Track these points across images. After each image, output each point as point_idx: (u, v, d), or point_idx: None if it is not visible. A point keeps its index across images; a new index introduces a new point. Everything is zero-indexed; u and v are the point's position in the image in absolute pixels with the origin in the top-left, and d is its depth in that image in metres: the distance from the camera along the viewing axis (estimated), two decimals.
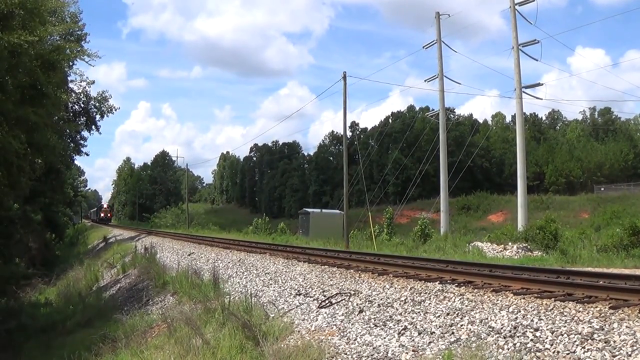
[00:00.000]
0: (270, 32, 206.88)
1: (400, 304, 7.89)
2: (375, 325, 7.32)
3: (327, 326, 7.82)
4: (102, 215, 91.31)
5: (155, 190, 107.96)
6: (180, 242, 27.98)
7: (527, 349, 5.47)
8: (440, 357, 5.76)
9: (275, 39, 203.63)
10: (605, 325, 5.53)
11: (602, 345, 5.11)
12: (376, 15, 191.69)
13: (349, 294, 9.02)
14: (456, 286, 8.16)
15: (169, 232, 43.32)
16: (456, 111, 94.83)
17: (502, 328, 6.11)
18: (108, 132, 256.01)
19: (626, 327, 5.40)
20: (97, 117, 30.74)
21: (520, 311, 6.47)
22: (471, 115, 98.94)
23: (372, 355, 6.35)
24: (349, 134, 58.95)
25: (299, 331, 7.86)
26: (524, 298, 6.97)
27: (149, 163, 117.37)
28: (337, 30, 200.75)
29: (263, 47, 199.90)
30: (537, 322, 5.99)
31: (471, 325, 6.48)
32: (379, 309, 7.96)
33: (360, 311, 8.07)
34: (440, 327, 6.68)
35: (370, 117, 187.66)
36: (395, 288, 8.77)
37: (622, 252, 14.77)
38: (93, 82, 28.78)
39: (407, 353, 6.16)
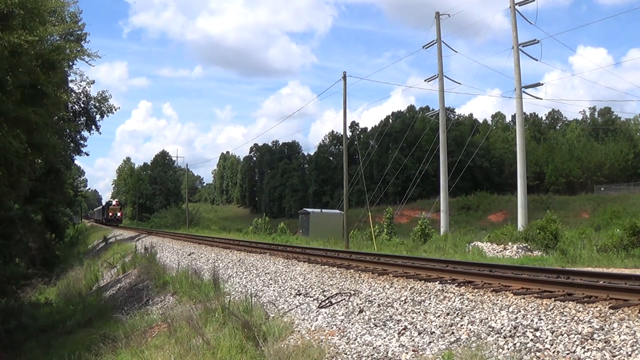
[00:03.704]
0: (273, 31, 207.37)
1: (400, 304, 7.89)
2: (375, 325, 7.32)
3: (327, 326, 7.82)
4: (109, 214, 73.28)
5: (155, 190, 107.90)
6: (180, 242, 27.98)
7: (527, 349, 5.47)
8: (440, 357, 5.76)
9: (278, 38, 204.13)
10: (605, 325, 5.53)
11: (602, 345, 5.11)
12: (379, 14, 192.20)
13: (349, 294, 9.02)
14: (456, 286, 8.16)
15: (169, 232, 43.34)
16: (456, 111, 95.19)
17: (502, 328, 6.11)
18: (108, 132, 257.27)
19: (626, 327, 5.40)
20: (97, 117, 30.70)
21: (520, 311, 6.47)
22: (471, 115, 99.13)
23: (372, 355, 6.35)
24: (349, 134, 59.08)
25: (299, 331, 7.86)
26: (524, 298, 6.97)
27: (149, 163, 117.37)
28: (339, 30, 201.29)
29: (265, 46, 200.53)
30: (537, 322, 5.99)
31: (471, 325, 6.48)
32: (379, 308, 7.96)
33: (360, 311, 8.07)
34: (440, 327, 6.68)
35: (371, 117, 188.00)
36: (395, 288, 8.77)
37: (622, 252, 14.76)
38: (93, 82, 28.83)
39: (407, 353, 6.16)
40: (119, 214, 74.64)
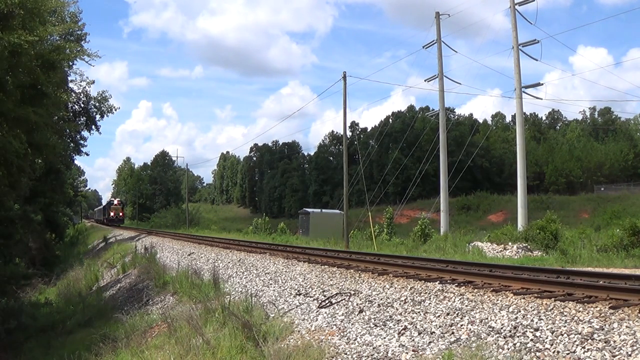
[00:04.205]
0: (273, 31, 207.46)
1: (400, 304, 7.89)
2: (375, 325, 7.32)
3: (327, 326, 7.82)
4: (111, 214, 70.69)
5: (155, 190, 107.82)
6: (180, 242, 27.98)
7: (527, 349, 5.47)
8: (440, 357, 5.76)
9: (278, 38, 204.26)
10: (605, 325, 5.54)
11: (602, 345, 5.11)
12: (379, 14, 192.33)
13: (349, 294, 9.02)
14: (456, 286, 8.16)
15: (169, 232, 43.34)
16: (456, 111, 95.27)
17: (502, 328, 6.11)
18: (109, 132, 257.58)
19: (626, 327, 5.40)
20: (97, 117, 30.71)
21: (520, 311, 6.47)
22: (471, 115, 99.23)
23: (372, 355, 6.35)
24: (349, 134, 59.06)
25: (299, 331, 7.86)
26: (524, 298, 6.97)
27: (149, 163, 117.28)
28: (339, 30, 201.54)
29: (266, 46, 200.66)
30: (537, 322, 5.99)
31: (471, 325, 6.48)
32: (379, 308, 7.96)
33: (360, 311, 8.07)
34: (440, 327, 6.68)
35: (371, 117, 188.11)
36: (395, 288, 8.77)
37: (622, 252, 14.75)
38: (93, 82, 28.80)
39: (407, 353, 6.16)
40: (121, 214, 71.73)
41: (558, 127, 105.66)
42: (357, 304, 8.43)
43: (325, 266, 11.98)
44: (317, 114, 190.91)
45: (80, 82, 27.30)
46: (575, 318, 5.87)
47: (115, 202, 74.54)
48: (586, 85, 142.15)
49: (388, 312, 7.72)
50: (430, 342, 6.30)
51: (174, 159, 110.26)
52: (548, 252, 16.74)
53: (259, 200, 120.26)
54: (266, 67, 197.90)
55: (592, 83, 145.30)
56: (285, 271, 12.42)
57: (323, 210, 43.23)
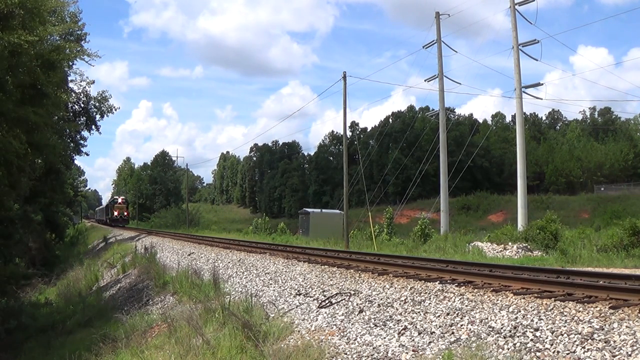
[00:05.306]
0: (274, 30, 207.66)
1: (400, 304, 7.89)
2: (375, 325, 7.32)
3: (327, 326, 7.82)
4: (115, 214, 63.92)
5: (155, 190, 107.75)
6: (180, 242, 27.98)
7: (527, 349, 5.47)
8: (440, 357, 5.76)
9: (279, 37, 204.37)
10: (605, 325, 5.54)
11: (602, 345, 5.11)
12: (380, 14, 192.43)
13: (349, 294, 9.02)
14: (456, 286, 8.16)
15: (169, 232, 43.34)
16: (456, 111, 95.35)
17: (502, 328, 6.11)
18: (109, 132, 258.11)
19: (626, 327, 5.40)
20: (97, 117, 30.78)
21: (520, 311, 6.47)
22: (471, 115, 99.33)
23: (372, 355, 6.35)
24: (349, 134, 59.10)
25: (299, 331, 7.86)
26: (524, 298, 6.97)
27: (149, 163, 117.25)
28: (340, 30, 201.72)
29: (266, 46, 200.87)
30: (537, 322, 5.99)
31: (471, 325, 6.48)
32: (379, 308, 7.96)
33: (360, 311, 8.07)
34: (440, 327, 6.68)
35: (372, 117, 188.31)
36: (395, 288, 8.77)
37: (622, 252, 14.75)
38: (93, 82, 28.87)
39: (407, 353, 6.16)
40: (125, 214, 65.30)
41: (558, 127, 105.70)
42: (357, 304, 8.43)
43: (325, 266, 11.98)
44: (317, 114, 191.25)
45: (80, 82, 27.40)
46: (575, 318, 5.87)
47: (120, 200, 68.01)
48: (586, 85, 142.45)
49: (388, 312, 7.72)
50: (430, 342, 6.30)
51: (174, 159, 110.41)
52: (548, 252, 16.74)
53: (259, 200, 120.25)
54: (267, 67, 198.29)
55: (592, 83, 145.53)
56: (285, 271, 12.42)
57: (323, 210, 43.22)
